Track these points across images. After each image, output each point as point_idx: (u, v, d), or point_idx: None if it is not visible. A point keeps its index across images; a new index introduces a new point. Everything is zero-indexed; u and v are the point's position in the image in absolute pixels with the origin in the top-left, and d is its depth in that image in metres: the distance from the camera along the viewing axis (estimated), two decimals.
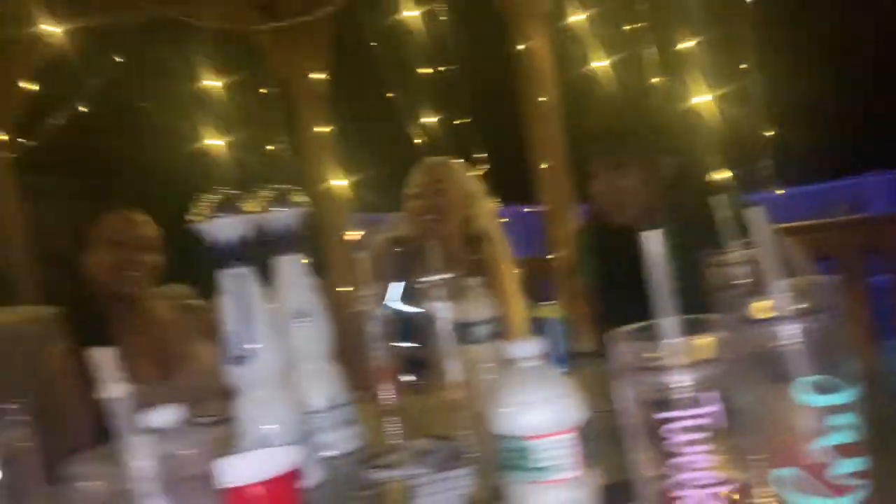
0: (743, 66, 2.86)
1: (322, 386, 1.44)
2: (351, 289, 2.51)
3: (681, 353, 0.56)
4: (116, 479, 0.51)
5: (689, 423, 0.54)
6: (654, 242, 0.59)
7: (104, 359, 0.52)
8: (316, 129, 3.43)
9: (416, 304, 2.43)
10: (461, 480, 1.09)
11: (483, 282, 1.57)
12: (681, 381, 0.55)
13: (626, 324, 1.96)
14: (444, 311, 1.62)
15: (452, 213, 2.51)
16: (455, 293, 1.61)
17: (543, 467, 0.69)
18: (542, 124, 3.29)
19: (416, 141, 3.15)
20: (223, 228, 1.25)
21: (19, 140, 2.83)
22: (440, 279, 1.61)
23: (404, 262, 2.53)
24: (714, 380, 0.55)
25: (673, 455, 0.55)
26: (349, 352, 1.57)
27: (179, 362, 2.29)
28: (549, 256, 3.38)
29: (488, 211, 2.64)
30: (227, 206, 1.26)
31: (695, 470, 0.54)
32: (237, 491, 0.63)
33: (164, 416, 0.72)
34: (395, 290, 1.66)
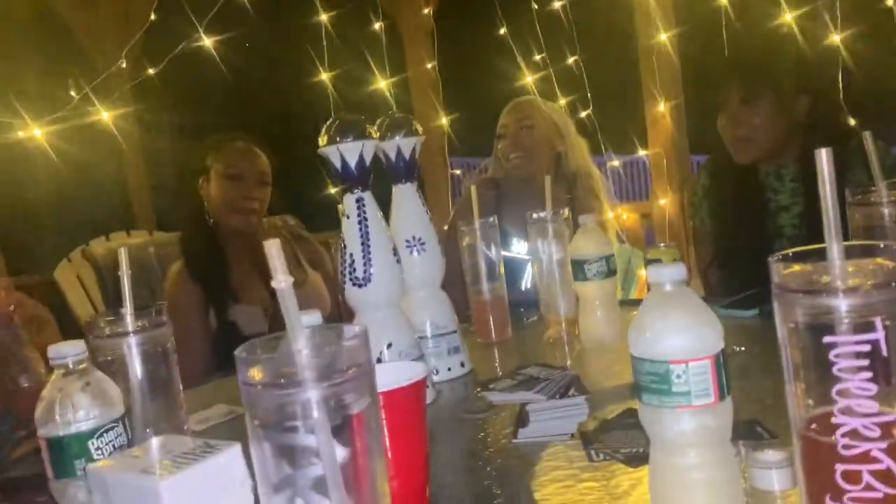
0: (888, 2, 2.65)
1: (432, 312, 1.47)
2: (445, 228, 2.53)
3: (851, 276, 0.53)
4: (281, 363, 0.53)
5: (859, 348, 0.52)
6: (825, 161, 0.56)
7: (274, 251, 0.54)
8: (422, 66, 3.43)
9: (514, 243, 2.43)
10: (574, 409, 1.10)
11: (592, 219, 1.54)
12: (851, 304, 0.52)
13: (740, 269, 1.89)
14: (548, 249, 1.61)
15: (539, 151, 2.48)
16: (561, 230, 1.60)
17: (684, 392, 0.68)
18: (657, 64, 3.17)
19: (521, 80, 3.09)
20: (347, 152, 1.27)
21: (145, 70, 2.94)
22: (542, 217, 1.60)
23: (499, 202, 2.53)
24: (883, 306, 0.52)
25: (838, 381, 0.53)
26: (453, 284, 1.58)
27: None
28: (660, 202, 3.30)
29: (580, 148, 2.58)
30: (351, 131, 1.28)
31: (862, 398, 0.52)
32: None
33: (309, 318, 0.75)
34: (491, 229, 1.66)
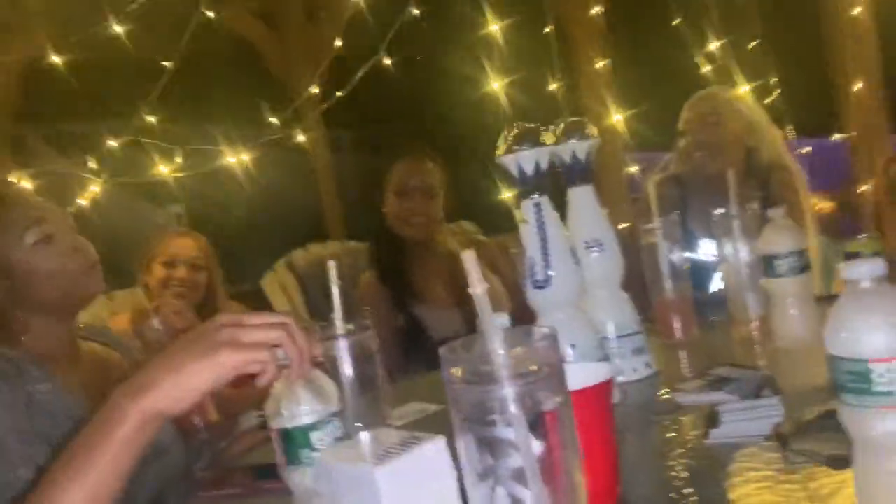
0: None
1: (613, 313, 1.47)
2: (627, 225, 2.50)
3: None
4: (479, 362, 0.58)
5: None
6: None
7: (471, 261, 0.59)
8: (593, 65, 3.41)
9: (702, 244, 2.35)
10: (768, 409, 1.07)
11: (784, 213, 1.47)
12: None
13: None
14: (736, 246, 1.56)
15: (730, 147, 2.34)
16: (751, 226, 1.54)
17: (886, 392, 0.66)
18: (851, 42, 2.93)
19: (700, 70, 2.98)
20: (524, 159, 1.32)
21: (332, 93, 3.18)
22: (729, 212, 1.55)
23: (685, 200, 2.45)
24: None
25: None
26: (634, 284, 1.57)
27: (468, 293, 2.46)
28: (859, 189, 3.04)
29: (774, 140, 2.42)
30: (527, 139, 1.32)
31: None
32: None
33: (500, 319, 0.80)
34: (673, 227, 1.63)
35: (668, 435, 1.12)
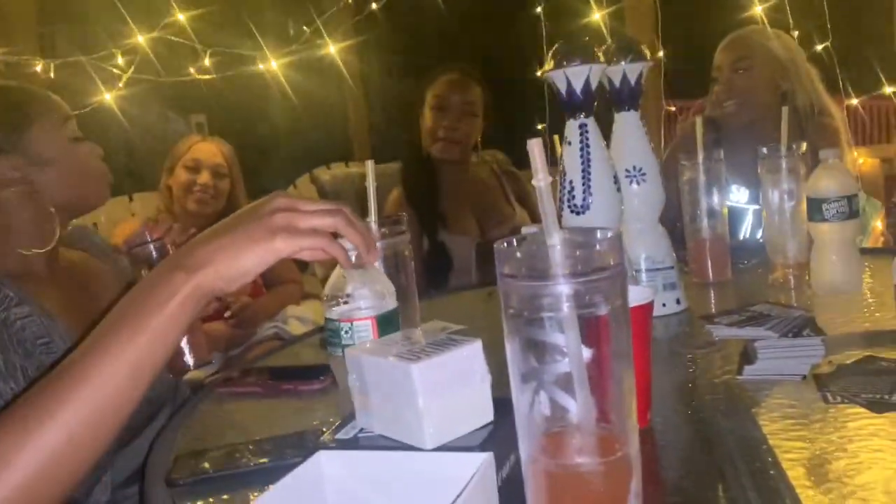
0: None
1: (647, 246, 1.43)
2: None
3: None
4: (537, 258, 0.55)
5: None
6: None
7: (536, 150, 0.55)
8: None
9: (734, 191, 2.28)
10: (809, 349, 1.03)
11: (835, 154, 1.41)
12: None
13: None
14: (781, 187, 1.51)
15: (760, 93, 2.24)
16: (793, 166, 1.48)
17: None
18: None
19: (748, 11, 2.84)
20: (574, 75, 1.26)
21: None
22: (776, 151, 1.49)
23: (717, 146, 2.36)
24: None
25: None
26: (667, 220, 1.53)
27: (496, 222, 2.43)
28: None
29: (812, 82, 2.31)
30: (579, 54, 1.26)
31: None
32: None
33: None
34: (716, 164, 1.58)
35: (698, 369, 1.09)
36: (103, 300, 1.34)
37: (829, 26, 2.91)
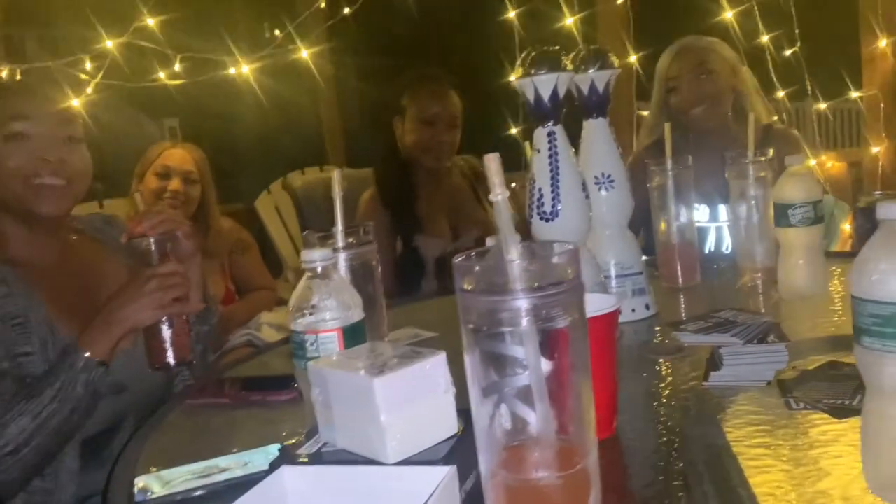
0: None
1: (617, 252, 1.44)
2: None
3: None
4: (494, 273, 0.55)
5: None
6: None
7: (494, 166, 0.55)
8: (611, 2, 3.30)
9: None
10: (773, 356, 1.05)
11: (800, 160, 1.43)
12: None
13: None
14: (748, 193, 1.52)
15: (724, 98, 2.23)
16: (760, 173, 1.50)
17: None
18: None
19: (718, 17, 2.88)
20: (542, 84, 1.26)
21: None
22: (743, 157, 1.50)
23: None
24: None
25: None
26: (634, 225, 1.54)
27: (469, 225, 2.43)
28: (873, 150, 2.98)
29: (752, 85, 2.30)
30: (547, 63, 1.26)
31: None
32: None
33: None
34: (685, 171, 1.59)
35: (665, 375, 1.10)
36: (102, 288, 1.41)
37: (797, 32, 2.95)
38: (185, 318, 1.32)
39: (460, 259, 0.57)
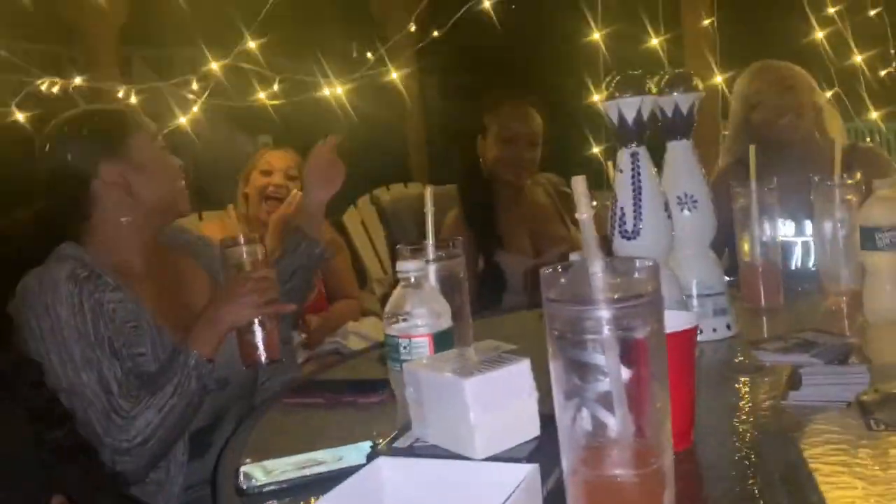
0: None
1: (699, 271, 1.46)
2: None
3: None
4: (576, 282, 0.60)
5: None
6: None
7: (580, 187, 0.60)
8: (698, 23, 3.29)
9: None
10: (854, 377, 1.05)
11: (888, 184, 1.42)
12: None
13: None
14: (834, 215, 1.51)
15: (807, 110, 2.24)
16: (846, 195, 1.49)
17: None
18: None
19: (811, 35, 2.83)
20: (626, 106, 1.30)
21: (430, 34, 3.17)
22: (829, 181, 1.50)
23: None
24: None
25: None
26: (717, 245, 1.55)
27: (551, 243, 2.47)
28: None
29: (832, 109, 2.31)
30: (631, 86, 1.30)
31: None
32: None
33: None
34: (770, 193, 1.59)
35: (744, 393, 1.12)
36: (191, 294, 1.55)
37: (892, 52, 2.88)
38: (275, 320, 1.43)
39: (547, 271, 0.62)
